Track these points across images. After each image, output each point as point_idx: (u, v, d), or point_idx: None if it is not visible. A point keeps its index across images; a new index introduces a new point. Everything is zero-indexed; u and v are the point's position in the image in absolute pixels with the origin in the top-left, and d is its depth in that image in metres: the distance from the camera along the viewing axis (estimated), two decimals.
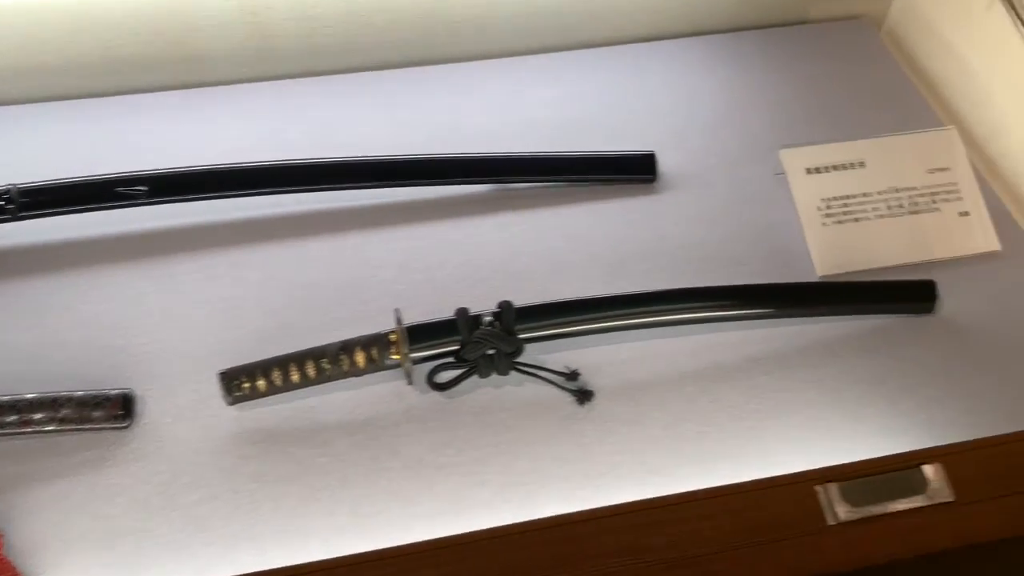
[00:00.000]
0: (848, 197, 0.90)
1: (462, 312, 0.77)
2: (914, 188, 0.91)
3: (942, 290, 0.85)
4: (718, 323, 0.82)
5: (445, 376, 0.78)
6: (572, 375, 0.78)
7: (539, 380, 0.78)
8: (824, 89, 1.06)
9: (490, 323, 0.77)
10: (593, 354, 0.81)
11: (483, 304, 0.81)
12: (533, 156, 0.94)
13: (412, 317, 0.80)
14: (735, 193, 0.95)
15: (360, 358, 0.76)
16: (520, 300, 0.82)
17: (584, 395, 0.78)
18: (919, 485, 0.60)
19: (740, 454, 0.75)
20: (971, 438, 0.75)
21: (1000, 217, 0.92)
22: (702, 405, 0.78)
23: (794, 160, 0.92)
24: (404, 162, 0.91)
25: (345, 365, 0.75)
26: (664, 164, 0.97)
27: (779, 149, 0.93)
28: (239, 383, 0.75)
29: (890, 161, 0.92)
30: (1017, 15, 0.90)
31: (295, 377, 0.75)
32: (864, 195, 0.90)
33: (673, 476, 0.73)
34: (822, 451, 0.74)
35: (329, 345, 0.76)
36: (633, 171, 0.95)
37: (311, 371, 0.75)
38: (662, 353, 0.82)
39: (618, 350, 0.81)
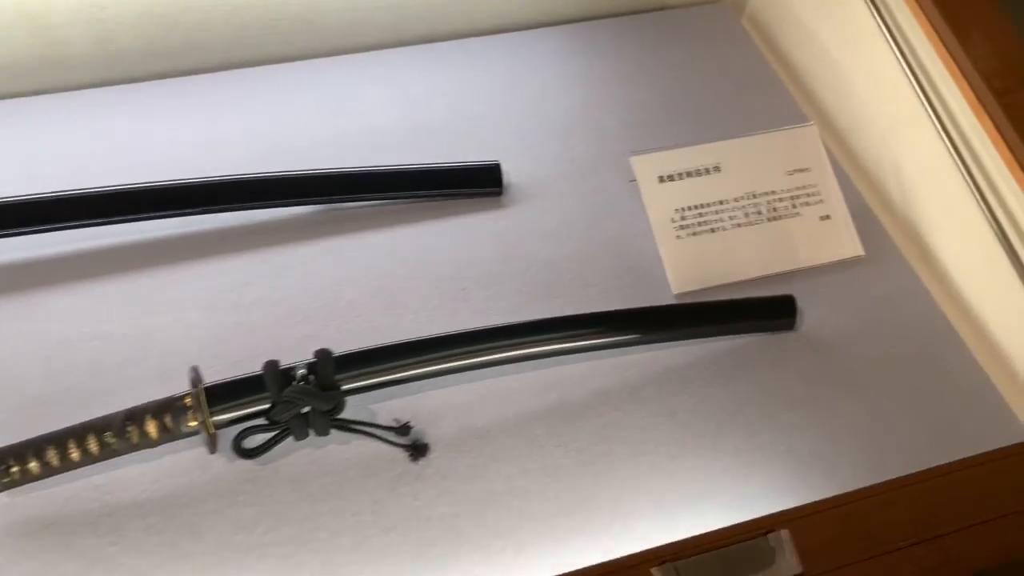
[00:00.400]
0: (703, 206, 0.84)
1: (271, 366, 0.68)
2: (773, 192, 0.85)
3: (804, 303, 0.80)
4: (565, 355, 0.75)
5: (254, 440, 0.68)
6: (403, 428, 0.70)
7: (367, 436, 0.70)
8: (683, 81, 1.00)
9: (304, 377, 0.68)
10: (430, 399, 0.73)
11: (307, 348, 0.71)
12: (365, 171, 0.84)
13: (221, 369, 0.70)
14: (588, 203, 0.88)
15: (152, 428, 0.65)
16: (350, 338, 0.74)
17: (418, 450, 0.70)
18: (766, 557, 0.55)
19: (589, 507, 0.68)
20: (833, 471, 0.70)
21: (864, 218, 0.88)
22: (549, 450, 0.71)
23: (645, 167, 0.85)
24: (213, 184, 0.80)
25: (134, 437, 0.65)
26: (512, 173, 0.88)
27: (633, 152, 0.86)
28: (7, 467, 0.64)
29: (747, 164, 0.86)
30: (872, 3, 0.85)
31: (75, 456, 0.64)
32: (720, 203, 0.84)
33: (514, 539, 0.66)
34: (677, 497, 0.69)
35: (114, 415, 0.65)
36: (477, 184, 0.87)
37: (93, 447, 0.65)
38: (506, 393, 0.74)
39: (457, 393, 0.73)
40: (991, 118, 0.73)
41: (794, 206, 0.85)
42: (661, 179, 0.84)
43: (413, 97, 0.94)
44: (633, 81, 0.99)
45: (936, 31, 0.77)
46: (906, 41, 0.83)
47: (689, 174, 0.85)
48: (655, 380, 0.76)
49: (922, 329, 0.81)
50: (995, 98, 0.72)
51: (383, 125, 0.91)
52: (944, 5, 0.75)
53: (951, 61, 0.75)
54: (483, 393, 0.74)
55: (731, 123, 0.94)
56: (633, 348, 0.77)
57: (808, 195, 0.86)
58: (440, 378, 0.72)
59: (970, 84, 0.74)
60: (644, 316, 0.77)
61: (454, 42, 1.00)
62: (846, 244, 0.85)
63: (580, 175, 0.90)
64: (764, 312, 0.79)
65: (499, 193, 0.87)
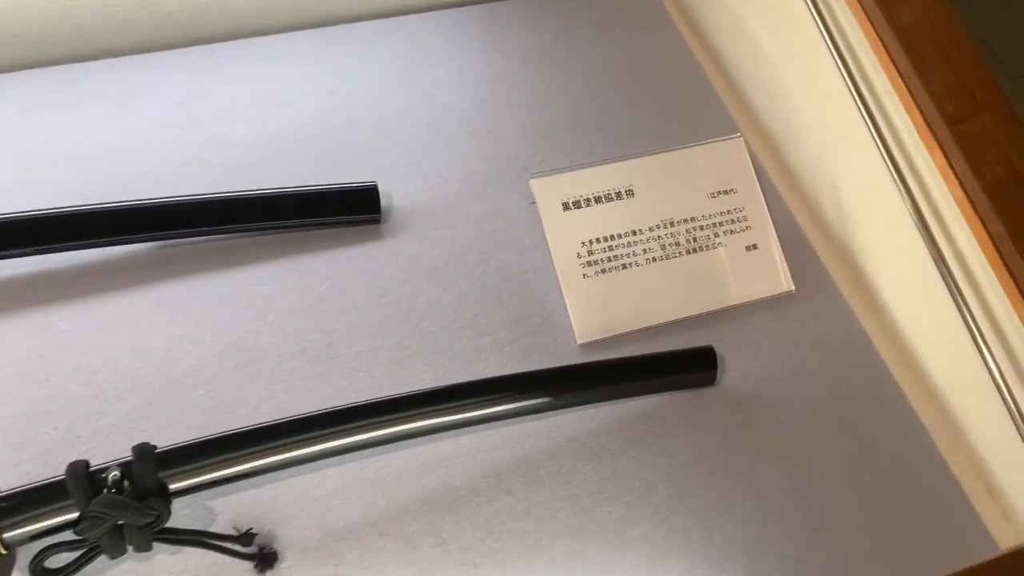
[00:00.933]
0: (614, 238, 0.72)
1: (76, 470, 0.55)
2: (693, 219, 0.74)
3: (726, 349, 0.70)
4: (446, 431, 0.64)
5: (59, 560, 0.56)
6: (245, 537, 0.58)
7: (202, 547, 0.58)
8: (596, 78, 0.87)
9: (117, 482, 0.55)
10: (282, 490, 0.61)
11: (132, 430, 0.59)
12: (206, 200, 0.70)
13: (25, 464, 0.57)
14: (482, 232, 0.75)
15: None
16: (188, 415, 0.62)
17: (265, 560, 0.58)
18: None
19: None
20: (755, 566, 0.61)
21: (796, 245, 0.77)
22: (426, 552, 0.60)
23: (547, 192, 0.73)
24: (19, 221, 0.66)
25: None
26: (394, 195, 0.75)
27: (533, 174, 0.73)
28: None
29: (665, 185, 0.74)
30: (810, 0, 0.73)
31: None
32: (633, 233, 0.73)
33: None
34: None
35: None
36: (350, 210, 0.73)
37: None
38: (375, 479, 0.62)
39: (315, 482, 0.61)
40: (941, 147, 0.62)
41: (717, 235, 0.74)
42: (566, 206, 0.72)
43: (273, 99, 0.80)
44: (539, 78, 0.86)
45: (881, 39, 0.65)
46: (848, 46, 0.71)
47: (598, 199, 0.73)
48: (554, 455, 0.65)
49: (859, 380, 0.72)
50: (947, 125, 0.61)
51: (235, 135, 0.77)
52: (891, 9, 0.64)
53: (897, 76, 0.64)
54: (348, 480, 0.62)
55: (649, 129, 0.82)
56: (529, 416, 0.66)
57: (733, 221, 0.75)
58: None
59: (919, 106, 0.63)
60: (540, 380, 0.65)
61: (324, 29, 0.85)
62: (775, 278, 0.74)
63: (474, 196, 0.77)
64: (679, 367, 0.68)
65: (376, 221, 0.74)
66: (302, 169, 0.75)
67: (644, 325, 0.71)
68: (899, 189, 0.68)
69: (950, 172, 0.63)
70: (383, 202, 0.74)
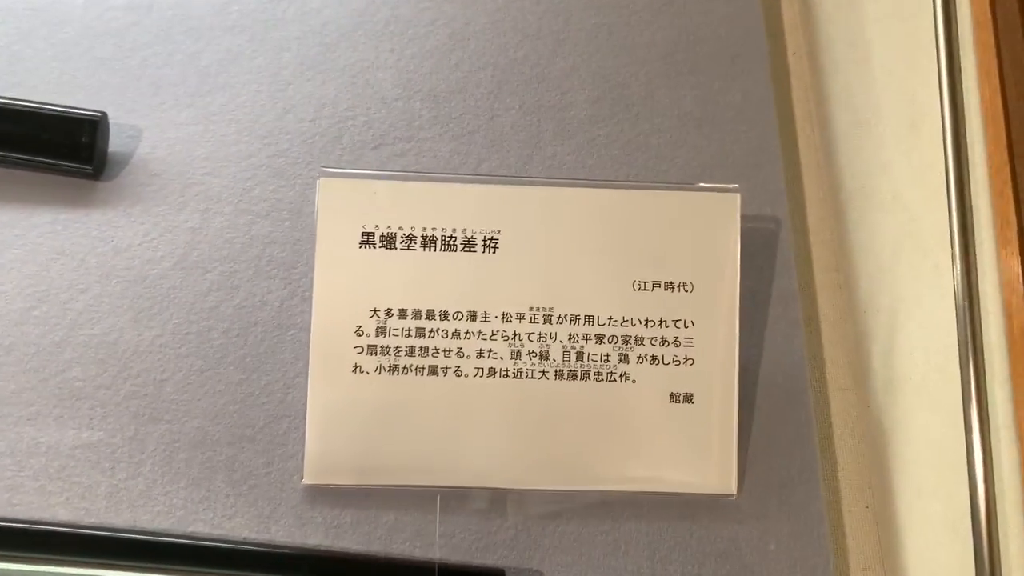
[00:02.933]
0: (435, 316, 0.40)
1: None
2: (592, 319, 0.41)
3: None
4: None
5: None
6: None
7: None
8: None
9: None
10: None
11: None
12: None
13: None
14: (245, 238, 0.45)
15: None
16: None
17: None
18: None
19: None
20: None
21: (779, 415, 0.43)
22: None
23: (340, 204, 0.41)
24: None
25: None
26: (146, 141, 0.46)
27: (326, 168, 0.42)
28: None
29: (559, 245, 0.41)
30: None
31: None
32: (473, 317, 0.40)
33: None
34: None
35: None
36: (52, 149, 0.45)
37: None
38: None
39: None
40: None
41: (625, 358, 0.41)
42: (366, 238, 0.41)
43: None
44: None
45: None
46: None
47: (429, 241, 0.41)
48: None
49: None
50: None
51: None
52: None
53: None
54: None
55: (583, 123, 0.48)
56: None
57: (663, 342, 0.41)
58: None
59: None
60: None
61: None
62: (705, 463, 0.40)
63: (265, 177, 0.46)
64: None
65: (90, 174, 0.45)
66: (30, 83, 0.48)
67: (435, 483, 0.40)
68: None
69: None
70: (118, 148, 0.46)
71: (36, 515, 0.39)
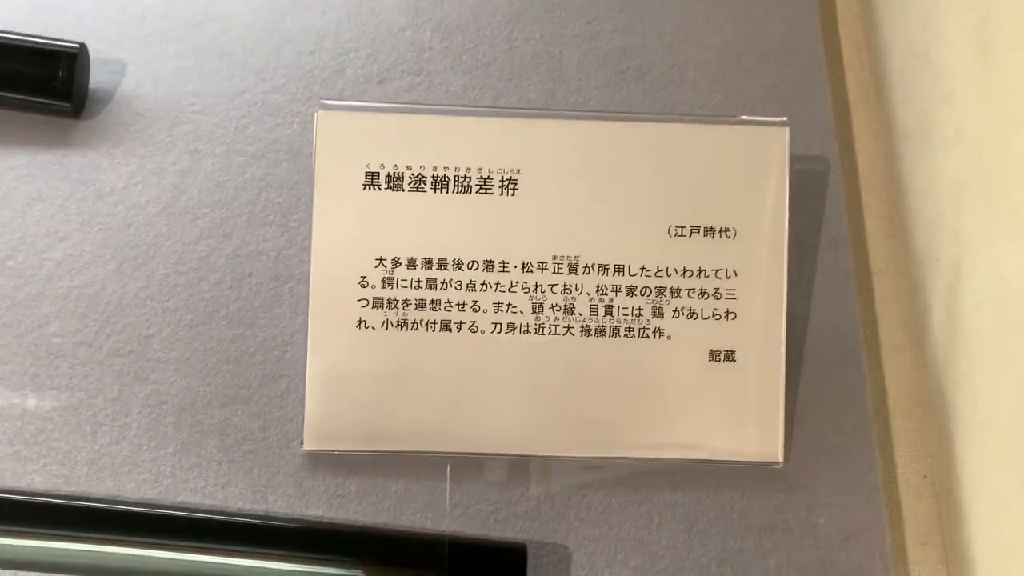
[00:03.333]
0: (446, 265, 0.36)
1: None
2: (622, 269, 0.36)
3: (583, 554, 0.35)
4: None
5: None
6: None
7: None
8: None
9: None
10: None
11: None
12: None
13: None
14: (237, 183, 0.41)
15: None
16: None
17: None
18: None
19: None
20: None
21: (832, 375, 0.39)
22: None
23: (340, 140, 0.37)
24: None
25: None
26: (112, 77, 0.42)
27: (326, 100, 0.38)
28: None
29: (586, 187, 0.37)
30: None
31: None
32: (490, 266, 0.36)
33: None
34: None
35: None
36: (30, 88, 0.41)
37: None
38: None
39: None
40: None
41: (660, 312, 0.37)
42: (370, 179, 0.37)
43: None
44: None
45: None
46: None
47: (441, 182, 0.37)
48: None
49: None
50: None
51: None
52: None
53: None
54: None
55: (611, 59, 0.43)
56: None
57: (703, 294, 0.37)
58: None
59: None
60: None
61: None
62: (746, 427, 0.36)
63: (264, 114, 0.42)
64: (460, 569, 0.34)
65: (69, 112, 0.41)
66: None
67: (448, 450, 0.36)
68: None
69: None
70: (99, 84, 0.42)
71: (10, 483, 0.35)
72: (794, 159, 0.39)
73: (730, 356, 0.36)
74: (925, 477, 0.39)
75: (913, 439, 0.39)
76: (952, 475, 0.38)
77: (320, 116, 0.37)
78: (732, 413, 0.36)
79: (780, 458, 0.36)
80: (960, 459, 0.38)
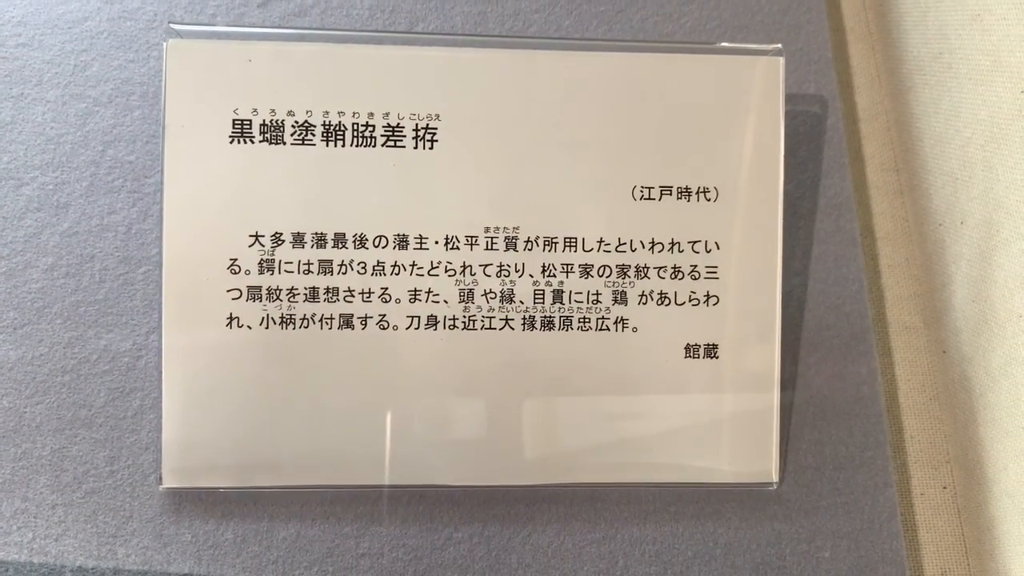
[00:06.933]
0: (346, 241, 0.28)
1: None
2: (572, 240, 0.29)
3: None
4: None
5: None
6: None
7: None
8: None
9: None
10: None
11: None
12: None
13: None
14: (89, 130, 0.32)
15: None
16: None
17: None
18: None
19: None
20: None
21: (842, 369, 0.31)
22: None
23: (195, 77, 0.28)
24: None
25: None
26: None
27: (174, 23, 0.29)
28: None
29: (525, 133, 0.29)
30: None
31: None
32: (402, 242, 0.28)
33: None
34: None
35: None
36: None
37: None
38: None
39: None
40: None
41: (622, 297, 0.29)
42: (240, 128, 0.28)
43: None
44: None
45: None
46: None
47: (334, 130, 0.28)
48: None
49: None
50: None
51: None
52: None
53: None
54: None
55: None
56: None
57: (675, 271, 0.29)
58: None
59: None
60: None
61: None
62: (735, 445, 0.29)
63: (111, 47, 0.33)
64: None
65: None
66: None
67: (351, 482, 0.28)
68: None
69: None
70: None
71: None
72: (786, 99, 0.31)
73: (711, 351, 0.29)
74: (945, 488, 0.32)
75: (930, 442, 0.32)
76: (978, 487, 0.31)
77: (171, 47, 0.28)
78: (714, 423, 0.29)
79: (775, 477, 0.29)
80: (990, 468, 0.31)
